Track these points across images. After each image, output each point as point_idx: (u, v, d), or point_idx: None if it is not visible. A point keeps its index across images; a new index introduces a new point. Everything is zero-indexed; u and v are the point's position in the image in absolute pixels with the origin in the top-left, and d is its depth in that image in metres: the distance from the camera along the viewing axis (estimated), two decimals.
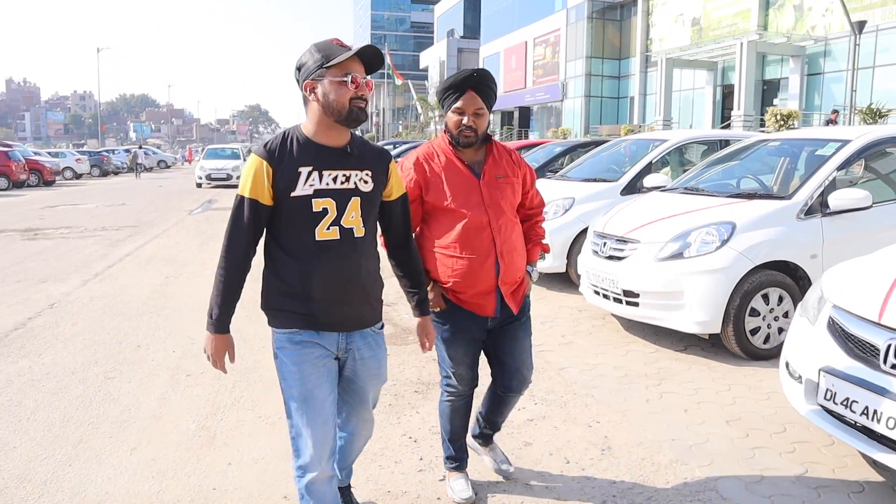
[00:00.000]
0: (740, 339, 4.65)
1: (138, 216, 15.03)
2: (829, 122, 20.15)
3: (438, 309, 2.76)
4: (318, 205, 2.12)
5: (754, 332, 4.70)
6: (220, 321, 2.20)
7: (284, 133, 2.19)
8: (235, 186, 17.59)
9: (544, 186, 7.16)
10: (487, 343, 2.87)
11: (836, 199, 4.79)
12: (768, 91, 28.45)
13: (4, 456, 3.35)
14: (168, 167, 50.48)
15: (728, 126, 26.54)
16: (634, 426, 3.67)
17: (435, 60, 61.20)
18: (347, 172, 2.17)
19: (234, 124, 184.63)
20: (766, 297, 4.71)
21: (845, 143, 5.15)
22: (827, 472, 3.16)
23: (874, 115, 17.34)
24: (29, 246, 10.53)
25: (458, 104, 2.67)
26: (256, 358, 4.82)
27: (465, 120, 2.67)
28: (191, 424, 3.75)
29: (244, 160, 26.65)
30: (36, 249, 10.14)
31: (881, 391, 2.65)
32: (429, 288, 2.70)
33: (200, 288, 7.25)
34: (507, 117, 46.82)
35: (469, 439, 3.11)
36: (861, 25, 17.08)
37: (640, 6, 34.71)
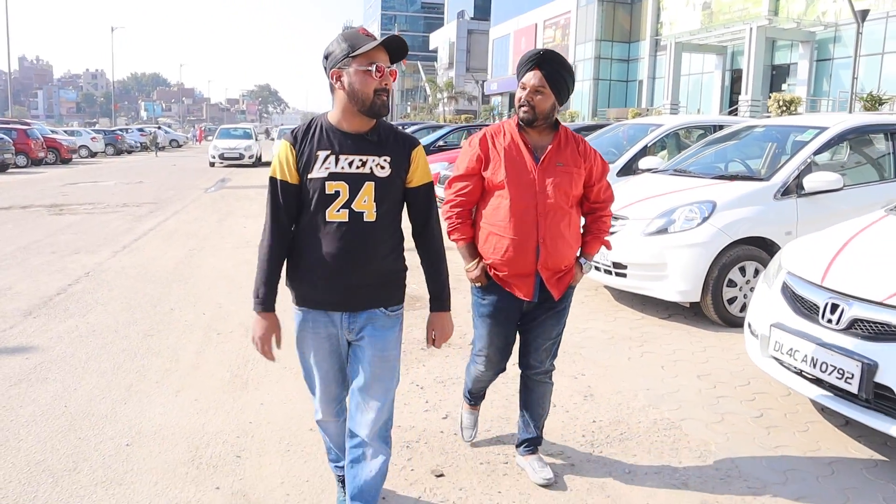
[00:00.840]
0: (718, 307, 5.12)
1: (157, 194, 15.55)
2: None
3: (479, 284, 2.87)
4: (330, 187, 2.22)
5: (731, 301, 5.17)
6: (267, 299, 2.32)
7: (312, 119, 2.33)
8: (248, 166, 18.38)
9: None
10: (520, 324, 2.94)
11: (810, 182, 5.23)
12: (777, 76, 28.63)
13: (68, 396, 3.87)
14: (179, 146, 51.05)
15: (735, 111, 26.79)
16: (615, 378, 4.16)
17: (445, 42, 61.29)
18: (364, 157, 2.24)
19: (243, 104, 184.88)
20: (742, 270, 5.17)
21: (823, 129, 5.57)
22: (780, 416, 3.65)
23: (875, 102, 17.60)
24: (57, 220, 11.06)
25: (523, 79, 2.74)
26: (280, 319, 5.32)
27: (524, 95, 2.73)
28: (225, 373, 4.26)
29: (256, 140, 27.19)
30: (64, 224, 10.68)
31: (818, 342, 3.12)
32: (475, 262, 2.85)
33: (222, 260, 7.76)
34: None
35: (517, 458, 3.12)
36: (864, 14, 17.33)
37: None
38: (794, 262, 3.59)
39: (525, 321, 2.92)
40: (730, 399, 3.87)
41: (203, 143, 55.96)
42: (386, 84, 2.23)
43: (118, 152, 38.30)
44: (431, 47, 67.33)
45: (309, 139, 2.26)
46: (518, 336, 2.99)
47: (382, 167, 2.26)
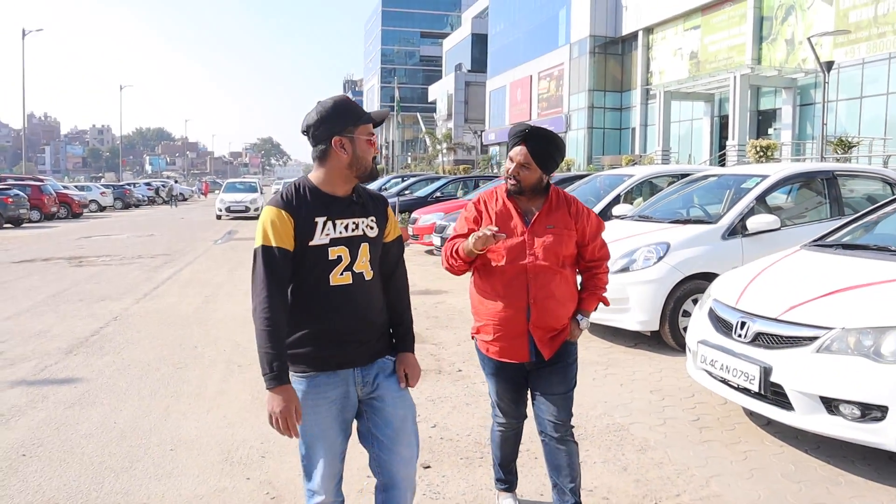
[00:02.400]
0: (675, 335, 5.86)
1: (168, 246, 16.39)
2: None
3: (493, 234, 2.73)
4: (333, 253, 2.25)
5: (686, 329, 5.89)
6: (282, 371, 2.21)
7: (295, 184, 2.33)
8: (253, 218, 19.32)
9: None
10: (529, 384, 2.98)
11: (752, 223, 6.02)
12: (763, 121, 29.72)
13: (116, 415, 4.59)
14: (185, 199, 52.31)
15: (724, 155, 27.82)
16: (578, 394, 4.77)
17: (443, 94, 63.19)
18: (356, 220, 2.31)
19: (247, 157, 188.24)
20: (695, 302, 5.91)
21: (764, 177, 6.39)
22: (713, 419, 4.36)
23: (844, 146, 18.51)
24: (79, 272, 11.86)
25: (510, 152, 2.87)
26: None
27: (511, 168, 2.85)
28: (247, 396, 4.98)
29: (261, 193, 28.24)
30: (86, 275, 11.47)
31: (731, 353, 3.86)
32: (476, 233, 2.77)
33: (236, 304, 8.52)
34: None
35: None
36: (829, 65, 18.43)
37: (641, 41, 36.25)
38: (719, 290, 4.35)
39: (532, 382, 2.96)
40: (674, 408, 4.57)
41: (209, 196, 57.27)
42: (376, 152, 2.40)
43: (126, 206, 39.49)
44: (430, 99, 69.32)
45: (304, 205, 2.26)
46: (531, 400, 3.02)
47: (372, 227, 2.36)
